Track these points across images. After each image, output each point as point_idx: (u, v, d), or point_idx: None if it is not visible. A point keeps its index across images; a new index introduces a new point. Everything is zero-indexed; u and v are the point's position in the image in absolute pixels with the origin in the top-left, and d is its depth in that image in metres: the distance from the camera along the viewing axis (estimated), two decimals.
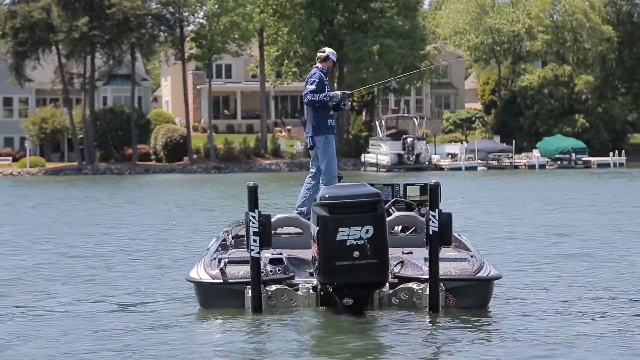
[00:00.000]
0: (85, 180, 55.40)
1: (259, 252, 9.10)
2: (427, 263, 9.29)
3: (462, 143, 76.80)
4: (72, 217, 24.70)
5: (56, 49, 70.32)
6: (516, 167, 70.78)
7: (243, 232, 11.34)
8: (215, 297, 9.45)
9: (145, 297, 10.80)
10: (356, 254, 8.72)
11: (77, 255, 15.27)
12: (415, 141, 69.04)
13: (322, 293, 9.29)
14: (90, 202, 32.39)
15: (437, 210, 9.22)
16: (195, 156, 72.59)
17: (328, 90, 11.95)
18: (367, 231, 8.72)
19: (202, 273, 9.54)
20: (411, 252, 9.75)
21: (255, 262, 9.10)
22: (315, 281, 9.33)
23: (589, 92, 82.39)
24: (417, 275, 9.34)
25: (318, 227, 8.79)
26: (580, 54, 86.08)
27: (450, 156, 73.14)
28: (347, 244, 8.71)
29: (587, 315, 9.26)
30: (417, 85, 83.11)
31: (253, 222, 9.09)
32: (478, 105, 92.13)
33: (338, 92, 12.09)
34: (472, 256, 9.71)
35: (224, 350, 7.92)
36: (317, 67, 12.13)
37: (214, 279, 9.40)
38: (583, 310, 9.57)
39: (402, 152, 68.48)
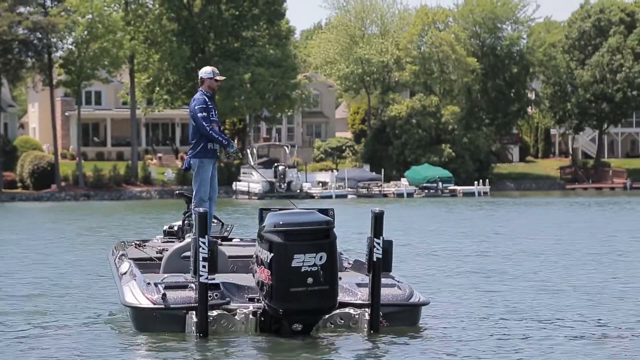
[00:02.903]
0: None
1: (206, 278, 9.14)
2: (360, 288, 9.62)
3: (332, 171, 77.73)
4: None
5: None
6: (385, 195, 71.98)
7: (140, 254, 11.42)
8: (156, 322, 9.43)
9: (72, 324, 10.58)
10: (310, 280, 8.86)
11: None
12: (286, 169, 69.55)
13: (262, 319, 9.39)
14: None
15: (381, 237, 9.46)
16: (63, 183, 71.29)
17: (212, 113, 12.10)
18: (320, 258, 8.88)
19: (141, 298, 9.49)
20: (340, 278, 9.84)
21: (203, 287, 9.12)
22: (251, 307, 9.46)
23: (455, 122, 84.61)
24: (352, 300, 9.59)
25: (272, 254, 8.86)
26: (447, 85, 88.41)
27: (321, 184, 73.91)
28: (302, 270, 8.83)
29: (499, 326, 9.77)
30: (289, 114, 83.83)
31: (203, 248, 9.13)
32: (348, 134, 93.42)
33: (234, 146, 12.28)
34: (399, 282, 10.01)
35: None
36: (200, 90, 12.30)
37: (154, 304, 9.37)
38: (496, 325, 10.23)
39: (273, 180, 68.87)
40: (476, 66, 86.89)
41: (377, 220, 9.54)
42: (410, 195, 71.29)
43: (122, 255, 11.54)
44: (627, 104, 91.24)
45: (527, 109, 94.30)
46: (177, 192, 14.01)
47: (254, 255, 9.34)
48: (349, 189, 71.80)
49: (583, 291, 13.32)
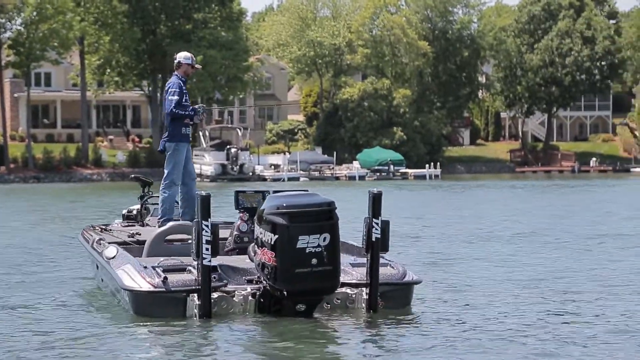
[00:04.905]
0: None
1: (210, 261, 9.19)
2: (355, 268, 9.78)
3: (285, 154, 77.80)
4: None
5: None
6: (337, 178, 72.22)
7: (114, 239, 11.38)
8: (156, 306, 9.44)
9: (67, 309, 10.42)
10: (314, 261, 8.95)
11: None
12: (238, 152, 69.48)
13: (261, 300, 9.47)
14: None
15: (380, 217, 9.61)
16: (12, 166, 70.54)
17: (186, 98, 12.24)
18: (324, 239, 8.96)
19: (141, 281, 9.50)
20: None
21: (206, 270, 9.17)
22: (249, 288, 9.52)
23: (406, 105, 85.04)
24: (348, 280, 9.71)
25: (276, 236, 8.95)
26: (398, 68, 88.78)
27: (273, 167, 73.97)
28: (307, 251, 8.92)
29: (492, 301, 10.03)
30: (241, 96, 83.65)
31: (206, 231, 9.15)
32: (300, 117, 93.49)
33: (198, 106, 12.38)
34: (391, 261, 10.17)
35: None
36: (175, 74, 12.37)
37: (155, 287, 9.39)
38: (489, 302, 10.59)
39: (225, 162, 68.77)
40: (427, 50, 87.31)
41: (376, 200, 9.65)
42: (362, 178, 71.59)
43: (101, 239, 11.48)
44: (576, 88, 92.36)
45: (477, 92, 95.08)
46: (133, 175, 14.01)
47: (255, 237, 9.39)
48: (301, 172, 71.93)
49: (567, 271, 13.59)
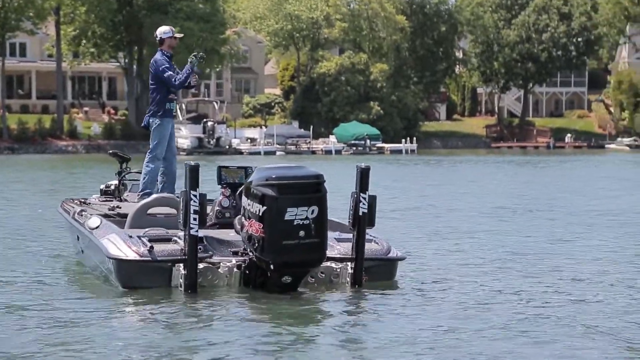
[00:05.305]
0: None
1: (197, 231, 9.19)
2: (340, 243, 9.85)
3: (261, 128, 77.67)
4: None
5: None
6: (313, 152, 72.23)
7: (94, 211, 11.35)
8: (141, 275, 9.44)
9: (45, 285, 10.28)
10: (302, 233, 8.96)
11: None
12: (215, 125, 69.28)
13: (246, 272, 9.46)
14: None
15: (367, 192, 9.64)
16: None
17: (177, 71, 12.25)
18: (312, 211, 8.97)
19: (127, 250, 9.48)
20: None
21: (193, 240, 9.17)
22: (234, 260, 9.52)
23: (383, 80, 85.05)
24: (332, 255, 9.74)
25: (264, 207, 8.94)
26: (376, 43, 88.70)
27: (249, 141, 73.84)
28: (294, 223, 8.92)
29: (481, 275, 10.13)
30: (217, 69, 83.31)
31: (194, 201, 9.14)
32: (277, 91, 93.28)
33: (194, 63, 12.25)
34: (375, 237, 10.22)
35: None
36: (160, 50, 12.34)
37: (142, 256, 9.38)
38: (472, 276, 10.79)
39: (202, 135, 68.58)
40: (405, 24, 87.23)
41: (363, 175, 9.70)
42: (338, 152, 71.64)
43: (82, 210, 11.45)
44: (552, 64, 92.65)
45: (454, 67, 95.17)
46: (111, 151, 13.97)
47: (242, 209, 9.39)
48: (278, 146, 71.86)
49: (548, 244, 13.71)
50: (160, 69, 12.25)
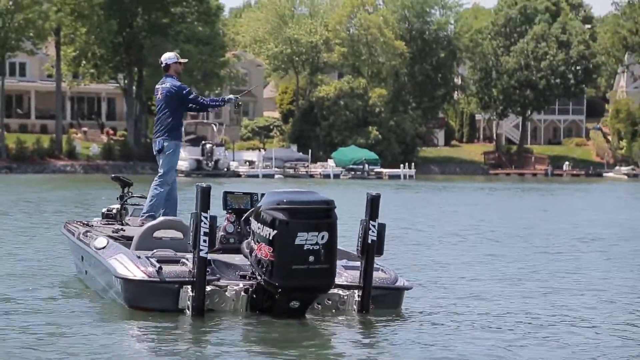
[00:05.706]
0: None
1: (206, 253, 9.13)
2: (347, 271, 9.78)
3: (260, 151, 77.72)
4: None
5: None
6: (312, 176, 72.23)
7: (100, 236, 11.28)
8: (149, 295, 9.36)
9: (48, 305, 10.16)
10: (311, 258, 8.92)
11: None
12: (214, 147, 69.29)
13: (253, 296, 9.40)
14: None
15: (377, 220, 9.60)
16: None
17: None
18: (322, 237, 8.93)
19: (136, 270, 9.42)
20: None
21: (202, 262, 9.11)
22: (241, 284, 9.46)
23: (382, 105, 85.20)
24: (340, 282, 9.67)
25: (275, 231, 8.91)
26: (375, 68, 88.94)
27: (248, 163, 73.86)
28: (304, 248, 8.88)
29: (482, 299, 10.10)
30: (217, 91, 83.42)
31: (204, 223, 9.09)
32: (276, 114, 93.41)
33: (231, 98, 12.41)
34: (382, 266, 10.18)
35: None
36: (170, 76, 12.28)
37: (150, 276, 9.31)
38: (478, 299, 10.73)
39: (200, 158, 68.58)
40: (404, 50, 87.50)
41: (374, 203, 9.66)
42: (336, 176, 71.65)
43: (87, 231, 11.40)
44: (550, 92, 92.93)
45: (453, 93, 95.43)
46: (113, 175, 13.92)
47: (251, 233, 9.34)
48: (276, 169, 71.88)
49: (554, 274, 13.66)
50: (185, 91, 12.19)
